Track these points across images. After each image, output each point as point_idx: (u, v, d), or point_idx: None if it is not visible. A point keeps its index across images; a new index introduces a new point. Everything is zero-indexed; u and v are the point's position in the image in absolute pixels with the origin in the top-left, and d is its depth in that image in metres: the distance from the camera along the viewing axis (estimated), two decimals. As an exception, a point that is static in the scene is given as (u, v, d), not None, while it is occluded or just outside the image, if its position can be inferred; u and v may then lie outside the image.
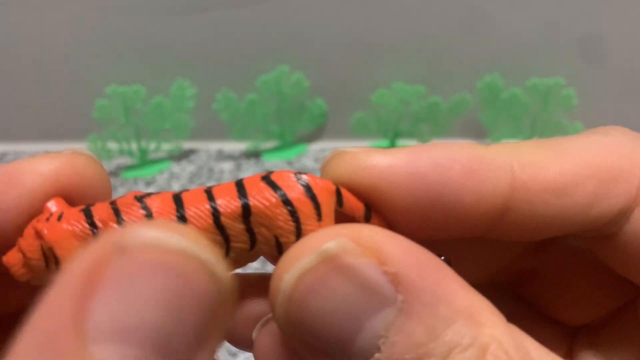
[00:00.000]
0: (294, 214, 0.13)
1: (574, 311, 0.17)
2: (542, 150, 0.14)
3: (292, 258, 0.12)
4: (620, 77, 0.64)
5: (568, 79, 0.62)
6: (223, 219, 0.13)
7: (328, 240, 0.12)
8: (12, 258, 0.14)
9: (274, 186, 0.13)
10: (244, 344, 0.16)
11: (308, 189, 0.13)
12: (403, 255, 0.12)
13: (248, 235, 0.14)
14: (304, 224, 0.13)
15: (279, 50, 0.63)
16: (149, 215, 0.13)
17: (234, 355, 0.44)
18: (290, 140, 0.67)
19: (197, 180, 0.62)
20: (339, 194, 0.14)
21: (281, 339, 0.14)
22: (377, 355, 0.11)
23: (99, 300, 0.09)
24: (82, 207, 0.14)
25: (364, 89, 0.63)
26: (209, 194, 0.14)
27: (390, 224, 0.14)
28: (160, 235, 0.10)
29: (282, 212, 0.13)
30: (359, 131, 0.65)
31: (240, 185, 0.14)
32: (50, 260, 0.13)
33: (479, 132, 0.67)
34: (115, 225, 0.13)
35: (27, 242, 0.13)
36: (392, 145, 0.66)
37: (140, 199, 0.14)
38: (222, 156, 0.66)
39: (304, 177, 0.14)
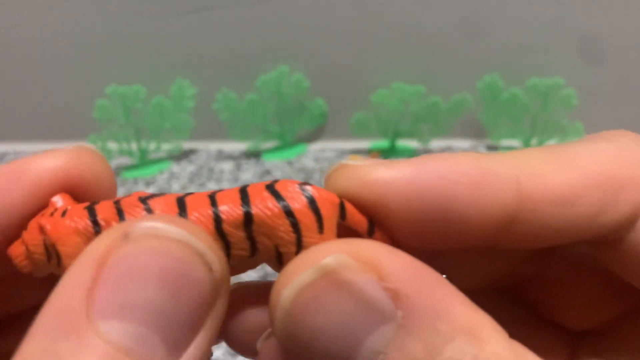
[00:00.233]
0: (295, 225, 0.13)
1: (577, 316, 0.17)
2: (548, 159, 0.14)
3: (290, 273, 0.12)
4: (620, 77, 0.64)
5: (568, 79, 0.62)
6: (225, 226, 0.13)
7: (327, 255, 0.12)
8: (16, 250, 0.14)
9: (277, 196, 0.13)
10: (250, 352, 0.16)
11: (311, 201, 0.13)
12: (403, 271, 0.12)
13: (249, 243, 0.14)
14: (305, 236, 0.13)
15: (279, 50, 0.63)
16: None
17: (233, 355, 0.44)
18: (290, 140, 0.67)
19: (197, 180, 0.62)
20: (342, 207, 0.14)
21: (284, 351, 0.14)
22: None
23: (104, 282, 0.11)
24: (87, 204, 0.14)
25: (364, 89, 0.63)
26: (213, 199, 0.13)
27: (394, 238, 0.14)
28: (161, 225, 0.11)
29: (284, 222, 0.13)
30: (359, 131, 0.65)
31: (244, 193, 0.14)
32: (52, 255, 0.14)
33: (479, 132, 0.67)
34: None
35: (31, 236, 0.14)
36: (392, 145, 0.66)
37: (144, 200, 0.14)
38: (222, 156, 0.66)
39: (309, 188, 0.14)
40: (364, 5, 0.60)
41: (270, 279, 0.15)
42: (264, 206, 0.13)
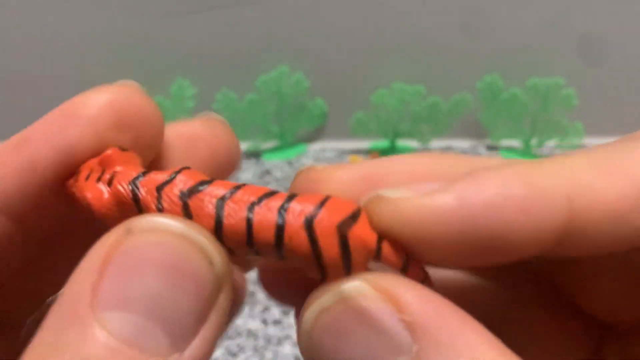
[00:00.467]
0: (321, 268, 0.13)
1: (609, 307, 0.16)
2: (597, 167, 0.13)
3: (314, 297, 0.12)
4: (620, 77, 0.64)
5: (568, 79, 0.62)
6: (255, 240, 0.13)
7: (348, 281, 0.12)
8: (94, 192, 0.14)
9: (312, 237, 0.12)
10: (285, 299, 0.16)
11: (345, 247, 0.12)
12: (422, 304, 0.11)
13: (278, 257, 0.13)
14: (329, 276, 0.13)
15: (279, 50, 0.63)
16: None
17: (234, 355, 0.44)
18: (290, 140, 0.67)
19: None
20: (379, 250, 0.13)
21: None
22: None
23: (109, 275, 0.11)
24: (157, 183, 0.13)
25: (364, 89, 0.63)
26: (249, 220, 0.12)
27: (427, 272, 0.14)
28: (161, 220, 0.12)
29: (311, 263, 0.13)
30: (359, 131, 0.65)
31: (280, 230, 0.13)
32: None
33: (479, 132, 0.67)
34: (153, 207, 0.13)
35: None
36: (392, 145, 0.66)
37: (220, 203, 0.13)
38: (222, 156, 0.66)
39: (345, 229, 0.12)
40: (364, 6, 0.60)
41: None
42: (297, 243, 0.12)
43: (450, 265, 0.14)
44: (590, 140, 0.66)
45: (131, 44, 0.62)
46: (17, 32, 0.62)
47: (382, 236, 0.13)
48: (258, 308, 0.48)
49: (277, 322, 0.46)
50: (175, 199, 0.13)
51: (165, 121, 0.17)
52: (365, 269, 0.13)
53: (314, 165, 0.14)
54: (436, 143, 0.67)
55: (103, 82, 0.15)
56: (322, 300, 0.12)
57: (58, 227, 0.15)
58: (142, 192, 0.13)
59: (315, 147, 0.68)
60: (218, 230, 0.12)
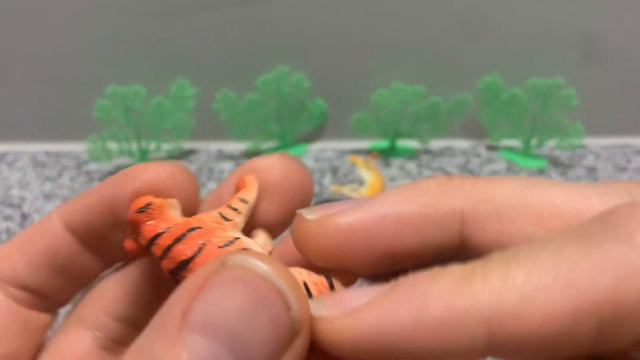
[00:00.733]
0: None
1: None
2: (531, 287, 0.11)
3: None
4: (620, 77, 0.64)
5: (568, 79, 0.62)
6: None
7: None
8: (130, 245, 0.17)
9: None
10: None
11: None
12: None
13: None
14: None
15: (279, 50, 0.63)
16: None
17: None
18: (290, 140, 0.67)
19: (197, 181, 0.62)
20: (307, 288, 0.15)
21: None
22: None
23: (199, 301, 0.12)
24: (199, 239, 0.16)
25: (364, 89, 0.63)
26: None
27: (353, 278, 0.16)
28: (252, 260, 0.13)
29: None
30: (359, 131, 0.65)
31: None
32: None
33: (479, 132, 0.67)
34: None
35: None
36: (392, 145, 0.66)
37: None
38: (222, 156, 0.66)
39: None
40: (364, 6, 0.60)
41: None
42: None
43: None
44: (590, 141, 0.66)
45: (131, 44, 0.62)
46: (17, 32, 0.62)
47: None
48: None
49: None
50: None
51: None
52: None
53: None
54: (436, 143, 0.67)
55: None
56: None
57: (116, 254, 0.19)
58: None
59: (315, 147, 0.68)
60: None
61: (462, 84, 0.63)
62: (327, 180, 0.63)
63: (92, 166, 0.65)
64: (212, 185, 0.62)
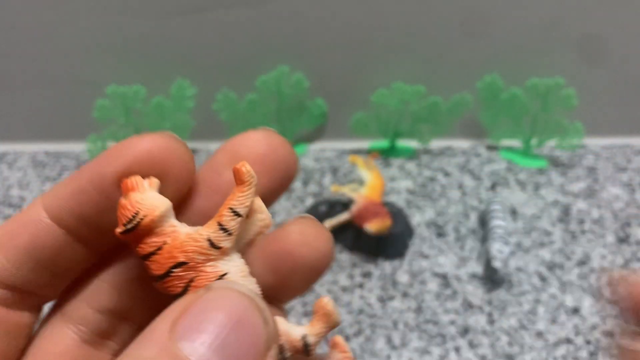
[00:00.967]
0: None
1: None
2: None
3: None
4: (620, 77, 0.64)
5: (568, 79, 0.62)
6: None
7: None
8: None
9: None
10: None
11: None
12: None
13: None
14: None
15: (279, 50, 0.63)
16: None
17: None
18: (290, 140, 0.67)
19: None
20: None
21: None
22: None
23: (187, 314, 0.14)
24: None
25: (364, 89, 0.63)
26: None
27: None
28: (234, 284, 0.16)
29: None
30: (359, 131, 0.65)
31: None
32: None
33: (479, 132, 0.67)
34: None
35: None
36: (392, 145, 0.66)
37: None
38: (222, 156, 0.66)
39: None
40: (364, 6, 0.60)
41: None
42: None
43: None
44: (590, 141, 0.66)
45: (131, 44, 0.62)
46: (17, 32, 0.62)
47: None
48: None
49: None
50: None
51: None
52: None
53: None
54: (436, 143, 0.67)
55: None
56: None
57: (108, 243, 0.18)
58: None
59: (315, 147, 0.68)
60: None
61: (462, 84, 0.63)
62: (327, 180, 0.63)
63: (92, 166, 0.65)
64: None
